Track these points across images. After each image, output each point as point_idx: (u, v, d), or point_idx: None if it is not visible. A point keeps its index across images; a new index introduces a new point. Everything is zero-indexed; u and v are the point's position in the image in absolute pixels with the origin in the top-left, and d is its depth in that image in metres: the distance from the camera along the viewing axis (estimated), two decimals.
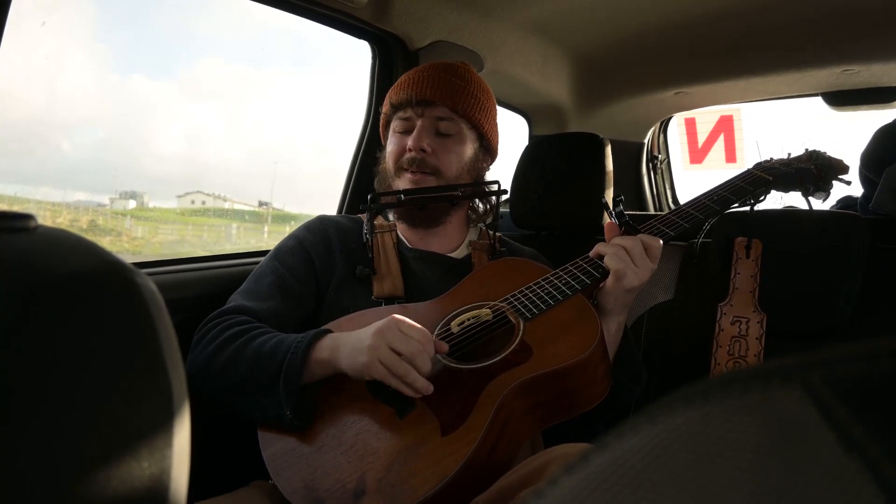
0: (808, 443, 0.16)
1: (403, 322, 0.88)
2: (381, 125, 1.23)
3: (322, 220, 1.18)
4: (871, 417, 0.16)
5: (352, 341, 0.89)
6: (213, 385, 0.93)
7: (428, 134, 1.12)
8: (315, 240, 1.13)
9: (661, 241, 1.02)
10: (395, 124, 1.17)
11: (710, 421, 0.18)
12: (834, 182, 1.22)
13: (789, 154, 1.26)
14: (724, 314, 1.24)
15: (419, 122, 1.12)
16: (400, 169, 1.14)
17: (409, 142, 1.11)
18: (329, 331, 0.94)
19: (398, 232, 1.18)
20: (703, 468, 0.17)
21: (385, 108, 1.19)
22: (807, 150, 1.25)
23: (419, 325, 0.89)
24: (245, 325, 0.97)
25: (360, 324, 0.99)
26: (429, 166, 1.12)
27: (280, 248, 1.12)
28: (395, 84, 1.18)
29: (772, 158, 1.27)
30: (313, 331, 0.93)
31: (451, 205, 1.14)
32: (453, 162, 1.13)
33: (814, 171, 1.20)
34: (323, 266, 1.10)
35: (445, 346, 0.92)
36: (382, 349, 0.85)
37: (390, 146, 1.16)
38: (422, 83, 1.12)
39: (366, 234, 1.11)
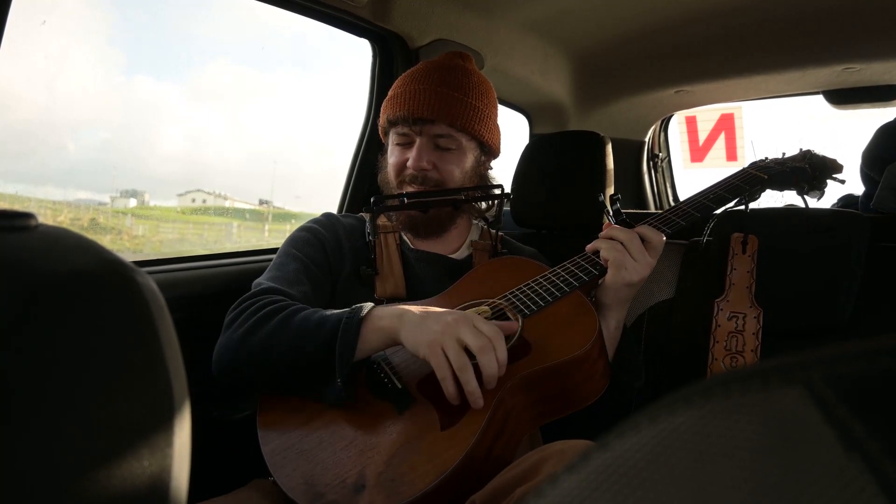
0: (809, 442, 0.16)
1: (478, 318, 0.86)
2: (380, 130, 1.22)
3: (330, 217, 1.18)
4: (872, 416, 0.16)
5: (419, 316, 0.86)
6: (254, 361, 0.91)
7: (427, 151, 1.11)
8: (327, 234, 1.13)
9: (664, 237, 1.02)
10: (393, 137, 1.15)
11: (710, 420, 0.17)
12: (828, 181, 1.23)
13: (784, 153, 1.26)
14: (721, 310, 1.24)
15: (418, 140, 1.11)
16: (402, 182, 1.13)
17: (409, 161, 1.10)
18: (381, 303, 0.94)
19: (401, 232, 1.18)
20: (703, 467, 0.17)
21: (381, 120, 1.17)
22: (801, 149, 1.26)
23: (493, 323, 0.86)
24: (282, 302, 0.96)
25: None
26: (431, 181, 1.11)
27: (296, 239, 1.11)
28: (391, 95, 1.15)
29: (767, 157, 1.27)
30: (366, 303, 0.92)
31: (455, 209, 1.14)
32: (455, 173, 1.12)
33: (808, 170, 1.20)
34: (335, 260, 1.10)
35: (515, 327, 0.92)
36: (450, 339, 0.82)
37: (391, 158, 1.15)
38: (418, 99, 1.09)
39: (368, 234, 1.11)
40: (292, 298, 0.99)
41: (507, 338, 0.92)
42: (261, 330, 0.91)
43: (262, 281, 1.03)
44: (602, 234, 1.03)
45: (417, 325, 0.85)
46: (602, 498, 0.18)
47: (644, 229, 1.02)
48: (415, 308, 0.89)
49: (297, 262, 1.06)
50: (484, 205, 1.21)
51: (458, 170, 1.13)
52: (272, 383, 0.93)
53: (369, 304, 0.92)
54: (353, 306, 0.91)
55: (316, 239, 1.11)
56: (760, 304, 1.22)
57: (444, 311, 0.88)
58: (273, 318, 0.91)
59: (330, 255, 1.10)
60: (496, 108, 1.20)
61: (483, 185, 1.18)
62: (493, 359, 0.81)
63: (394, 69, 1.53)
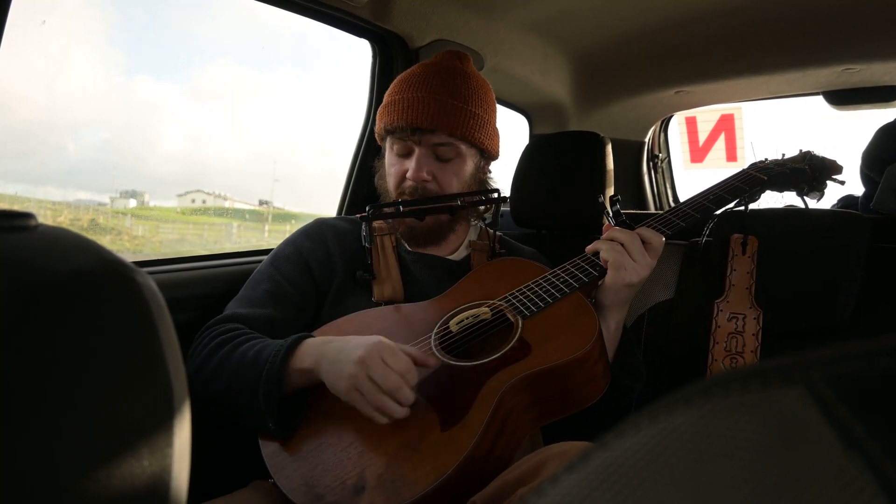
0: (809, 441, 0.16)
1: (386, 349, 0.85)
2: (376, 136, 1.19)
3: (320, 226, 1.17)
4: (872, 416, 0.16)
5: (333, 356, 0.86)
6: (203, 394, 0.93)
7: (427, 162, 1.09)
8: (313, 246, 1.12)
9: (663, 238, 1.02)
10: (390, 144, 1.13)
11: (710, 420, 0.17)
12: (828, 182, 1.23)
13: (783, 154, 1.26)
14: (721, 311, 1.24)
15: (417, 150, 1.09)
16: (402, 194, 1.12)
17: (409, 172, 1.09)
18: (309, 335, 0.93)
19: (397, 234, 1.17)
20: (703, 467, 0.17)
21: (378, 126, 1.15)
22: (801, 150, 1.26)
23: (403, 354, 0.85)
24: (232, 332, 0.97)
25: (357, 324, 0.99)
26: (430, 192, 1.10)
27: (277, 255, 1.11)
28: (388, 101, 1.12)
29: (766, 159, 1.27)
30: (292, 337, 0.92)
31: (451, 215, 1.13)
32: (454, 184, 1.11)
33: (808, 171, 1.20)
34: (322, 273, 1.09)
35: (433, 361, 0.89)
36: (362, 379, 0.82)
37: (390, 169, 1.14)
38: (417, 108, 1.07)
39: (365, 239, 1.10)
40: (251, 322, 1.00)
41: (508, 340, 0.93)
42: (209, 363, 0.94)
43: (230, 304, 1.06)
44: (603, 235, 1.03)
45: (333, 364, 0.86)
46: (602, 497, 0.18)
47: (644, 231, 1.02)
48: (334, 342, 0.89)
49: (270, 282, 1.06)
50: (482, 206, 1.21)
51: (457, 180, 1.12)
52: (222, 416, 0.95)
53: (296, 338, 0.91)
54: (285, 341, 0.91)
55: (299, 255, 1.10)
56: (760, 304, 1.22)
57: (358, 343, 0.86)
58: (218, 351, 0.94)
59: (315, 270, 1.09)
60: (495, 112, 1.19)
61: (480, 189, 1.17)
62: (407, 393, 0.82)
63: (394, 69, 1.53)
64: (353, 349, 0.85)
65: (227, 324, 1.00)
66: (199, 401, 0.93)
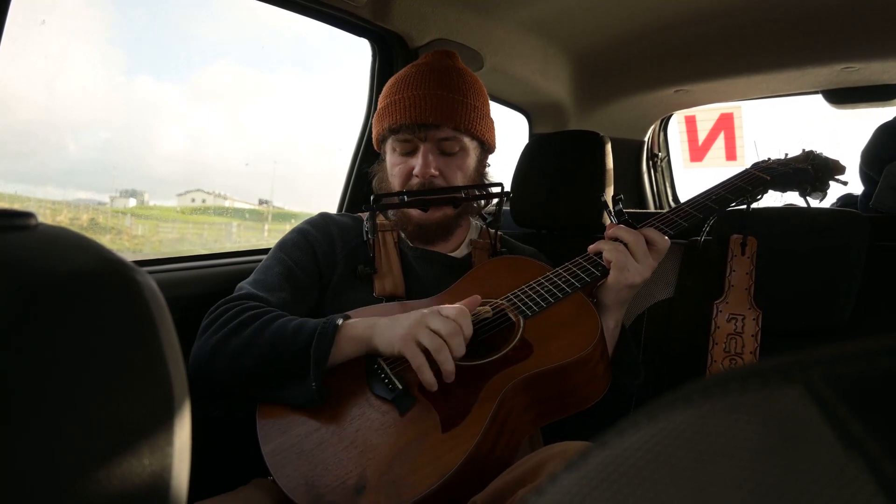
0: (808, 441, 0.16)
1: (444, 307, 0.91)
2: (374, 138, 1.19)
3: (325, 217, 1.18)
4: (871, 416, 0.16)
5: (390, 320, 0.92)
6: (226, 368, 0.92)
7: (434, 157, 1.10)
8: (319, 235, 1.13)
9: (668, 240, 1.02)
10: (393, 144, 1.13)
11: (710, 419, 0.17)
12: (831, 182, 1.22)
13: (786, 154, 1.26)
14: (720, 311, 1.24)
15: (422, 147, 1.10)
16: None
17: (416, 168, 1.09)
18: (348, 317, 0.96)
19: (399, 231, 1.18)
20: (703, 466, 0.17)
21: (378, 129, 1.15)
22: (804, 150, 1.25)
23: (460, 307, 0.90)
24: (260, 308, 0.97)
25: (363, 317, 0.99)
26: (436, 187, 1.11)
27: (285, 242, 1.12)
28: (387, 103, 1.12)
29: (769, 158, 1.27)
30: (341, 313, 0.95)
31: (455, 207, 1.13)
32: (459, 177, 1.12)
33: (811, 171, 1.20)
34: (326, 262, 1.10)
35: (489, 310, 0.96)
36: (421, 328, 0.87)
37: (393, 169, 1.13)
38: (420, 106, 1.08)
39: (367, 232, 1.11)
40: (270, 305, 1.00)
41: (509, 339, 0.93)
42: (235, 338, 0.92)
43: (244, 285, 1.05)
44: (607, 233, 1.02)
45: (389, 327, 0.90)
46: (602, 496, 0.18)
47: (650, 232, 1.02)
48: (386, 317, 0.94)
49: (281, 265, 1.07)
50: (483, 202, 1.21)
51: (462, 173, 1.13)
52: (242, 390, 0.94)
53: (344, 314, 0.95)
54: (328, 317, 0.94)
55: (306, 242, 1.11)
56: (760, 304, 1.22)
57: (413, 312, 0.92)
58: (248, 326, 0.93)
59: (320, 258, 1.10)
60: (489, 104, 1.20)
61: (483, 183, 1.17)
62: (462, 343, 0.86)
63: (394, 69, 1.53)
64: (410, 313, 0.92)
65: (246, 301, 0.99)
66: (222, 376, 0.92)
